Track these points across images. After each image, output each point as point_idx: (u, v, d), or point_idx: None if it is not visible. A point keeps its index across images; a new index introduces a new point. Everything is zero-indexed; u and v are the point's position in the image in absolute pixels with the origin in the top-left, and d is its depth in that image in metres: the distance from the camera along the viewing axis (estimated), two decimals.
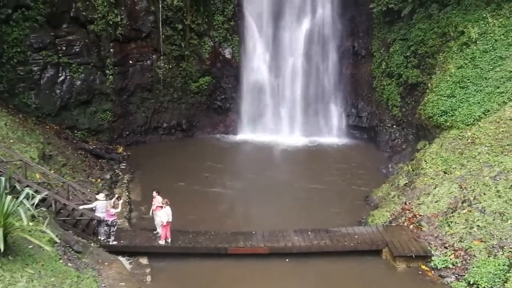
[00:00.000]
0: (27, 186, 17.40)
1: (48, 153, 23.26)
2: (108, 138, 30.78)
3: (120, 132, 31.53)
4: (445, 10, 27.71)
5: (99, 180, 24.47)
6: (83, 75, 29.70)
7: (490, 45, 24.40)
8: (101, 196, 18.10)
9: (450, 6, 27.50)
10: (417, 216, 19.58)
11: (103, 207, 17.68)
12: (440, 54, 27.10)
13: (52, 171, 21.24)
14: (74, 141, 28.23)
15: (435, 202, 19.84)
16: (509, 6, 24.94)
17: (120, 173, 26.88)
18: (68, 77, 29.33)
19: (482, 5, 25.96)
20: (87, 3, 29.05)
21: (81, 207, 18.13)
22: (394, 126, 30.97)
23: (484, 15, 25.44)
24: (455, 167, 20.94)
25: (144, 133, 32.57)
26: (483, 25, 25.21)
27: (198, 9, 32.64)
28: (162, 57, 32.18)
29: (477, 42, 24.91)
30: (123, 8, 30.34)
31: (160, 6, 30.92)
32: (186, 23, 32.16)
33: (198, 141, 33.58)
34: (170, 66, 32.62)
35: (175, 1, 31.31)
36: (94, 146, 28.99)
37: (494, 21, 24.98)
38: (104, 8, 29.43)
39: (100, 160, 27.71)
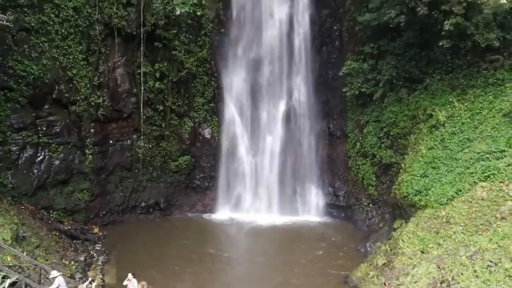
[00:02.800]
0: None
1: (22, 234, 22.74)
2: (84, 218, 30.28)
3: (96, 212, 31.12)
4: (414, 94, 29.28)
5: (72, 262, 23.78)
6: (62, 154, 29.65)
7: (458, 127, 25.57)
8: (54, 273, 17.70)
9: (419, 91, 29.11)
10: None
11: (62, 281, 17.34)
12: (412, 135, 28.18)
13: (24, 253, 20.68)
14: (49, 221, 27.68)
15: (414, 282, 19.71)
16: (473, 91, 26.54)
17: (95, 254, 26.22)
18: (46, 156, 29.18)
19: (448, 90, 27.60)
20: (70, 85, 29.67)
21: None
22: (371, 205, 31.36)
23: (451, 99, 26.95)
24: (432, 247, 21.07)
25: (121, 212, 32.21)
26: (450, 109, 26.60)
27: (179, 92, 33.74)
28: (142, 136, 32.68)
29: (445, 124, 26.10)
30: (105, 90, 31.15)
31: (142, 88, 31.88)
32: (167, 104, 33.10)
33: (176, 220, 33.38)
34: (150, 146, 33.05)
35: (156, 84, 32.38)
36: (70, 227, 28.45)
37: (460, 105, 26.41)
38: (87, 90, 30.14)
39: (74, 241, 27.17)
